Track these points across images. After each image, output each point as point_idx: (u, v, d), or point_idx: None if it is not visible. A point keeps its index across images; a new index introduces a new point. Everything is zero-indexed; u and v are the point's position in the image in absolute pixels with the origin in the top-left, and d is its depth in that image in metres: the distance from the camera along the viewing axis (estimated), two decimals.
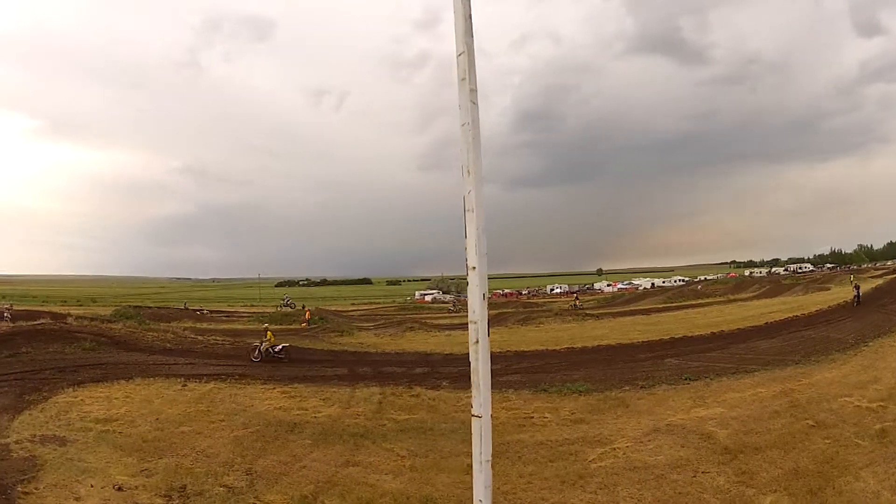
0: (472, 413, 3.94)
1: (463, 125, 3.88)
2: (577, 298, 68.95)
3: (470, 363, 4.02)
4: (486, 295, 3.96)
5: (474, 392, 3.93)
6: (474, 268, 3.90)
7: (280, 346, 24.52)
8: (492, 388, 11.82)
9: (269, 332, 25.18)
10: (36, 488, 9.52)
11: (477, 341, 3.95)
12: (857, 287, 36.99)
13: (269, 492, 9.51)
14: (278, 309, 70.16)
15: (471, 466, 9.67)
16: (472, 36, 3.92)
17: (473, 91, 3.88)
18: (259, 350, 24.23)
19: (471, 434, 10.80)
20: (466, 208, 3.88)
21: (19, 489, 9.41)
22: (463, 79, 3.87)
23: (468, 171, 3.85)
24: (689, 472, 9.63)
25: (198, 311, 65.94)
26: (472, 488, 8.93)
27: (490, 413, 3.94)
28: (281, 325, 48.81)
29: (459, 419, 13.56)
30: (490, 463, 3.95)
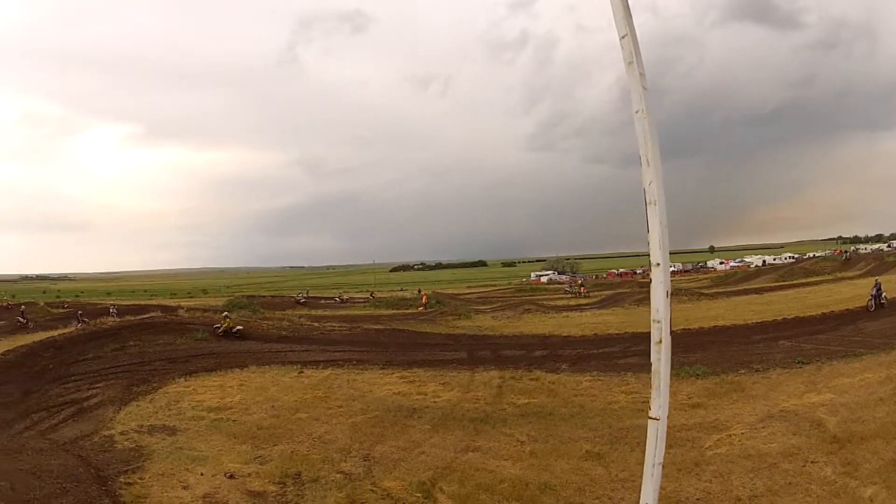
0: (650, 416, 3.99)
1: (636, 112, 3.91)
2: (581, 285, 68.29)
3: (652, 363, 4.02)
4: (670, 292, 3.98)
5: (654, 394, 3.99)
6: (658, 264, 3.93)
7: (236, 328, 27.89)
8: (610, 371, 14.47)
9: (227, 319, 29.21)
10: (140, 478, 9.67)
11: (660, 341, 3.98)
12: (879, 285, 28.90)
13: (387, 478, 9.58)
14: (393, 293, 71.68)
15: (589, 452, 9.81)
16: (632, 17, 3.95)
17: (643, 75, 3.91)
18: (221, 329, 27.85)
19: (590, 419, 11.40)
20: (648, 201, 3.93)
21: (121, 480, 9.57)
22: (630, 62, 3.91)
23: (647, 162, 3.90)
24: (800, 461, 9.77)
25: (335, 299, 67.84)
26: (589, 475, 8.84)
27: (667, 415, 3.98)
28: (397, 309, 51.32)
29: (578, 403, 13.89)
30: (661, 466, 3.99)
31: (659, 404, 3.95)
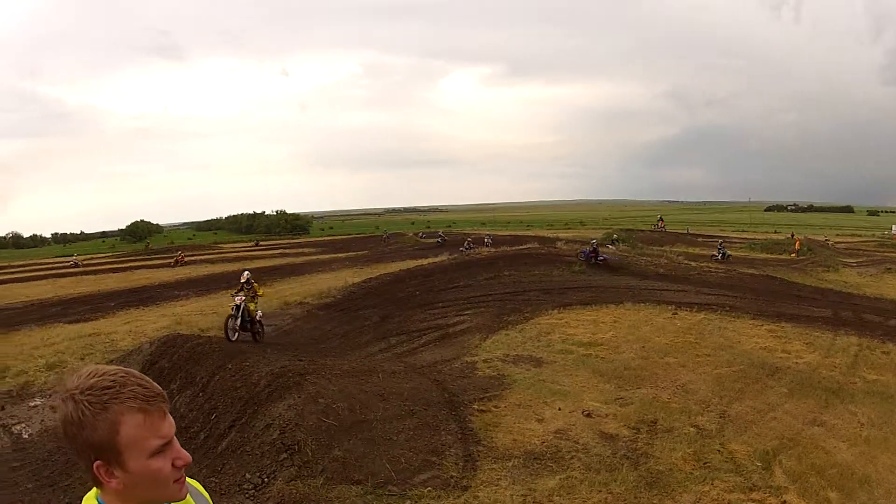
0: None
1: None
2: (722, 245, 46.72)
3: None
4: None
5: None
6: None
7: (258, 317, 16.96)
8: None
9: (248, 294, 17.02)
10: (496, 406, 10.22)
11: None
12: (595, 245, 32.90)
13: (735, 440, 9.16)
14: (767, 236, 67.22)
15: None
16: None
17: None
18: (237, 320, 16.22)
19: None
20: None
21: (475, 406, 10.18)
22: None
23: None
24: None
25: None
26: None
27: None
28: (770, 253, 50.88)
29: None
30: None
31: None
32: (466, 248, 43.04)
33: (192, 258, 54.61)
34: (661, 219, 74.70)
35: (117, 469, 1.55)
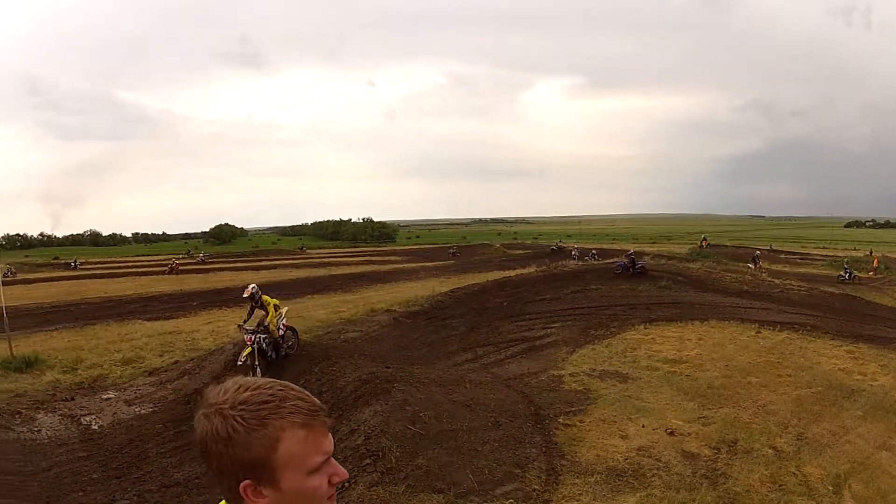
0: None
1: None
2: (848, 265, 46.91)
3: None
4: None
5: None
6: None
7: (285, 333, 14.01)
8: None
9: (268, 311, 13.78)
10: (580, 421, 10.39)
11: None
12: (632, 256, 33.08)
13: (810, 463, 9.15)
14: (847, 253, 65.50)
15: None
16: None
17: None
18: (257, 370, 12.84)
19: None
20: None
21: (560, 420, 10.36)
22: None
23: None
24: None
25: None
26: None
27: None
28: (859, 271, 48.83)
29: None
30: None
31: None
32: (591, 258, 45.16)
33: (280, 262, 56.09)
34: (705, 238, 74.74)
35: (267, 488, 1.44)
